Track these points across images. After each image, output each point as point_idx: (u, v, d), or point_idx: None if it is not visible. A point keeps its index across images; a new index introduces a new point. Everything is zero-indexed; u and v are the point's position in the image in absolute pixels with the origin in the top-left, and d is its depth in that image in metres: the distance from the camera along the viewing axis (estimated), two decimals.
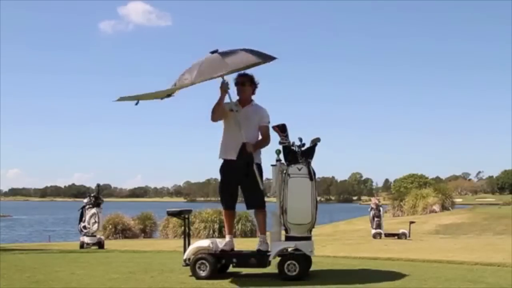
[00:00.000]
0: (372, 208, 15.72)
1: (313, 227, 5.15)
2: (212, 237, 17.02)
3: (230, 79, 5.41)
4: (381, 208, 15.96)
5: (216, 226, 18.46)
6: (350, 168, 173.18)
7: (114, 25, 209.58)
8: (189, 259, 5.27)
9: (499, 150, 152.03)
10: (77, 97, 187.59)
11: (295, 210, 5.04)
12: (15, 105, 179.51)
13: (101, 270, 5.88)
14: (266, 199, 5.46)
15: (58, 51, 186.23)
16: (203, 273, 5.12)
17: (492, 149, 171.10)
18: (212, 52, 5.17)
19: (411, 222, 15.61)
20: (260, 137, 5.46)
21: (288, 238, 5.10)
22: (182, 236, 5.86)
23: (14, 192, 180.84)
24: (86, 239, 11.54)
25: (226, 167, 5.45)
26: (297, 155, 5.14)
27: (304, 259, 5.08)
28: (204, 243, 5.39)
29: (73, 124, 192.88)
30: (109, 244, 12.91)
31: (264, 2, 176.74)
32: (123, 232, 19.62)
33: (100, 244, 11.54)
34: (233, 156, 5.37)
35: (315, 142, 5.22)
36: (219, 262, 5.26)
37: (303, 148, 5.17)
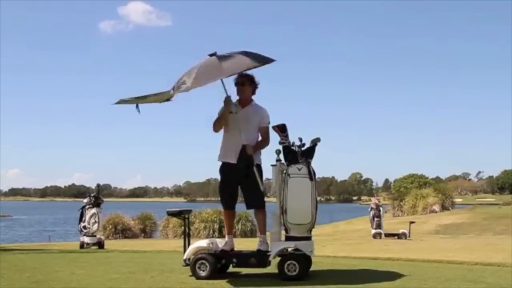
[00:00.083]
0: (372, 208, 15.72)
1: (313, 227, 5.15)
2: (212, 237, 17.02)
3: (231, 85, 5.41)
4: (381, 208, 15.96)
5: (216, 226, 18.46)
6: (350, 168, 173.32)
7: (114, 25, 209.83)
8: (189, 259, 5.27)
9: (499, 150, 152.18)
10: (77, 97, 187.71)
11: (295, 210, 5.04)
12: (15, 105, 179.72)
13: (101, 270, 5.88)
14: (266, 199, 5.46)
15: (58, 51, 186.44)
16: (203, 273, 5.12)
17: (492, 149, 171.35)
18: (211, 55, 5.15)
19: (411, 222, 15.61)
20: (260, 138, 5.46)
21: (288, 238, 5.10)
22: (182, 236, 5.86)
23: (14, 192, 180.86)
24: (86, 239, 11.54)
25: (226, 168, 5.45)
26: (297, 155, 5.13)
27: (304, 259, 5.08)
28: (204, 243, 5.39)
29: (73, 124, 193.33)
30: (109, 244, 12.91)
31: (264, 2, 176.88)
32: (123, 232, 19.62)
33: (100, 244, 11.54)
34: (233, 160, 5.36)
35: (315, 142, 5.22)
36: (219, 262, 5.26)
37: (303, 148, 5.17)
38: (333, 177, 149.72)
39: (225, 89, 5.33)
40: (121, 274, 5.51)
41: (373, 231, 15.15)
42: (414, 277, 5.25)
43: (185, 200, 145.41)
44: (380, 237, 14.81)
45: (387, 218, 21.75)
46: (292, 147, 5.18)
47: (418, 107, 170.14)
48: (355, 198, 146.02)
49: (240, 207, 5.66)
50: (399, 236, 14.89)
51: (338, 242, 13.31)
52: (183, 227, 6.12)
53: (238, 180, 5.34)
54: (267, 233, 5.31)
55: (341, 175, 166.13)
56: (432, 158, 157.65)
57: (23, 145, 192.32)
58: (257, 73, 5.49)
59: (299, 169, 5.07)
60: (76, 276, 5.46)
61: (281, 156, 5.20)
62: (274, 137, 5.29)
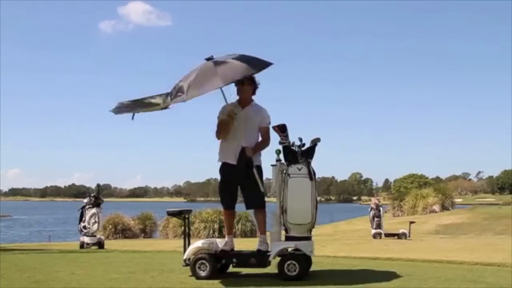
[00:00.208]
0: (372, 208, 15.71)
1: (313, 227, 5.15)
2: (212, 237, 17.02)
3: (231, 85, 5.40)
4: (381, 208, 15.95)
5: (216, 226, 18.46)
6: (350, 168, 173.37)
7: (114, 25, 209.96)
8: (189, 259, 5.27)
9: (499, 150, 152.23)
10: (77, 97, 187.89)
11: (295, 210, 5.03)
12: (15, 105, 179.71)
13: (101, 270, 5.88)
14: (266, 199, 5.46)
15: (58, 51, 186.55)
16: (203, 273, 5.12)
17: (492, 149, 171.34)
18: (207, 59, 5.13)
19: (411, 222, 15.60)
20: (260, 139, 5.45)
21: (288, 238, 5.10)
22: (182, 236, 5.86)
23: (14, 192, 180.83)
24: (86, 239, 11.54)
25: (226, 169, 5.45)
26: (297, 155, 5.13)
27: (304, 259, 5.08)
28: (204, 243, 5.39)
29: (73, 124, 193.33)
30: (109, 244, 12.91)
31: (264, 3, 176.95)
32: (123, 232, 19.62)
33: (100, 244, 11.54)
34: (232, 160, 5.35)
35: (315, 142, 5.21)
36: (219, 262, 5.26)
37: (303, 148, 5.17)
38: (333, 177, 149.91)
39: (224, 97, 5.30)
40: (121, 274, 5.51)
41: (373, 231, 15.15)
42: (414, 277, 5.25)
43: (185, 200, 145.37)
44: (380, 237, 14.81)
45: (387, 218, 21.75)
46: (292, 147, 5.18)
47: (418, 107, 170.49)
48: (355, 198, 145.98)
49: (240, 207, 5.65)
50: (399, 236, 14.89)
51: (338, 242, 13.31)
52: (183, 227, 6.12)
53: (238, 181, 5.34)
54: (267, 233, 5.30)
55: (341, 175, 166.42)
56: (432, 158, 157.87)
57: (23, 145, 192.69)
58: (258, 73, 5.48)
59: (299, 169, 5.07)
60: (76, 276, 5.46)
61: (281, 156, 5.19)
62: (274, 137, 5.29)
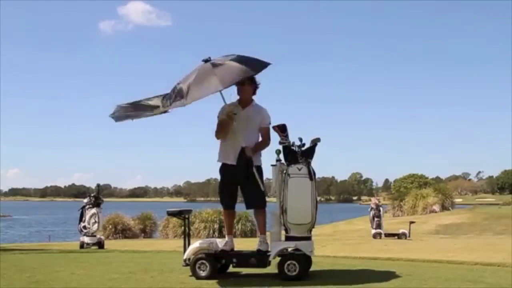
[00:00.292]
0: (372, 208, 15.71)
1: (313, 227, 5.15)
2: (212, 237, 17.02)
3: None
4: (381, 208, 15.96)
5: (216, 226, 18.46)
6: (350, 168, 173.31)
7: (114, 25, 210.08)
8: (189, 259, 5.27)
9: (499, 150, 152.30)
10: (77, 97, 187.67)
11: (295, 210, 5.03)
12: (15, 105, 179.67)
13: (101, 270, 5.88)
14: (266, 199, 5.45)
15: (58, 51, 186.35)
16: (203, 273, 5.12)
17: (492, 149, 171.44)
18: (205, 61, 5.11)
19: (411, 222, 15.60)
20: (260, 139, 5.45)
21: (288, 238, 5.10)
22: (182, 236, 5.86)
23: (14, 192, 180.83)
24: (86, 239, 11.54)
25: (226, 169, 5.45)
26: (297, 155, 5.13)
27: (304, 259, 5.08)
28: (204, 243, 5.39)
29: (73, 124, 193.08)
30: (109, 244, 12.91)
31: (264, 2, 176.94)
32: (123, 232, 19.61)
33: (100, 244, 11.54)
34: (232, 161, 5.35)
35: (315, 142, 5.21)
36: (219, 262, 5.26)
37: (303, 148, 5.17)
38: (333, 177, 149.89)
39: (223, 99, 5.30)
40: (121, 274, 5.51)
41: (373, 231, 15.15)
42: (414, 277, 5.25)
43: (185, 200, 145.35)
44: (380, 237, 14.81)
45: (387, 218, 21.75)
46: (292, 147, 5.18)
47: (418, 107, 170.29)
48: (355, 198, 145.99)
49: (240, 207, 5.66)
50: (399, 236, 14.89)
51: (338, 242, 13.31)
52: (183, 227, 6.12)
53: (238, 181, 5.34)
54: (267, 233, 5.31)
55: (341, 175, 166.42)
56: (432, 158, 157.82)
57: (23, 145, 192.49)
58: (258, 73, 5.48)
59: (299, 169, 5.07)
60: (76, 276, 5.46)
61: (281, 156, 5.19)
62: (274, 137, 5.29)
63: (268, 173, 5.28)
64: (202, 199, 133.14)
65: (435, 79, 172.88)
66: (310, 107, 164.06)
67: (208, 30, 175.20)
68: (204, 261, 5.15)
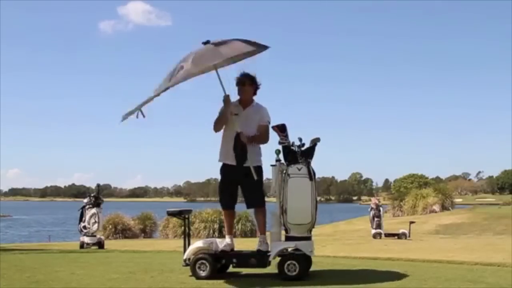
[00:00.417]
0: (372, 208, 15.71)
1: (313, 227, 5.15)
2: (212, 237, 17.01)
3: (232, 86, 5.41)
4: (381, 208, 15.95)
5: (216, 226, 18.45)
6: (350, 168, 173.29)
7: (114, 25, 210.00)
8: (189, 259, 5.27)
9: (499, 150, 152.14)
10: (77, 97, 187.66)
11: (295, 210, 5.04)
12: (15, 105, 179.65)
13: (101, 270, 5.88)
14: (266, 199, 5.46)
15: (58, 51, 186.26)
16: (203, 273, 5.12)
17: (492, 149, 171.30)
18: (205, 43, 5.15)
19: (411, 222, 15.60)
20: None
21: (288, 238, 5.10)
22: (182, 236, 5.86)
23: (14, 192, 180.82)
24: (86, 239, 11.54)
25: (226, 169, 5.45)
26: (297, 155, 5.13)
27: (304, 259, 5.08)
28: (204, 243, 5.39)
29: (73, 124, 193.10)
30: (109, 244, 12.90)
31: (264, 3, 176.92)
32: (123, 232, 19.59)
33: (100, 244, 11.54)
34: (233, 161, 5.36)
35: (315, 142, 5.22)
36: (219, 262, 5.26)
37: (303, 148, 5.17)
38: (333, 177, 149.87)
39: (223, 88, 5.32)
40: (121, 274, 5.51)
41: (373, 231, 15.15)
42: (414, 277, 5.25)
43: (185, 200, 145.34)
44: (380, 237, 14.81)
45: (387, 218, 21.75)
46: (292, 147, 5.18)
47: (418, 107, 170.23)
48: (355, 198, 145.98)
49: (240, 207, 5.66)
50: (399, 236, 14.89)
51: (338, 242, 13.31)
52: (183, 227, 6.12)
53: (238, 181, 5.34)
54: (267, 233, 5.31)
55: (341, 175, 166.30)
56: (432, 158, 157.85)
57: (23, 145, 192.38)
58: (258, 73, 5.51)
59: (299, 169, 5.07)
60: (76, 276, 5.46)
61: (281, 156, 5.19)
62: (274, 137, 5.29)
63: (268, 173, 5.29)
64: (202, 199, 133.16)
65: (435, 79, 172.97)
66: (310, 107, 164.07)
67: (208, 30, 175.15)
68: (204, 261, 5.15)
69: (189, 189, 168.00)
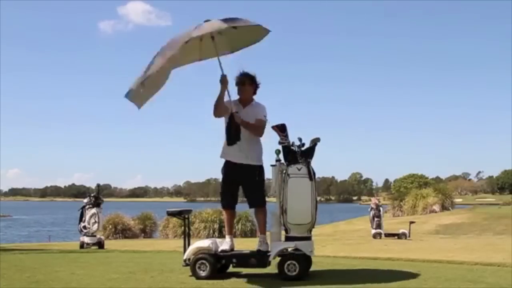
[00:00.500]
0: (372, 208, 15.71)
1: (313, 227, 5.15)
2: (212, 237, 17.00)
3: (231, 86, 5.42)
4: (381, 208, 15.95)
5: (216, 226, 18.45)
6: (350, 168, 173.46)
7: (113, 25, 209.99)
8: (189, 259, 5.27)
9: (499, 150, 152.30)
10: (77, 97, 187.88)
11: (295, 210, 5.03)
12: (15, 105, 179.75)
13: (101, 270, 5.88)
14: (266, 199, 5.46)
15: (58, 51, 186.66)
16: (203, 273, 5.12)
17: (492, 149, 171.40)
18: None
19: (411, 222, 15.59)
20: (260, 139, 5.46)
21: (288, 238, 5.10)
22: (182, 236, 5.86)
23: (14, 192, 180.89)
24: (86, 239, 11.54)
25: (228, 167, 5.45)
26: (297, 155, 5.13)
27: (304, 259, 5.08)
28: (204, 243, 5.39)
29: (73, 124, 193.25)
30: (109, 244, 12.90)
31: (264, 3, 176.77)
32: (123, 232, 19.59)
33: (100, 244, 11.54)
34: (234, 159, 5.36)
35: (315, 142, 5.21)
36: (219, 262, 5.26)
37: (302, 148, 5.17)
38: (333, 177, 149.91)
39: (221, 67, 5.34)
40: (121, 274, 5.51)
41: (373, 231, 15.15)
42: (414, 277, 5.25)
43: (185, 200, 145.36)
44: (380, 237, 14.80)
45: (387, 218, 21.75)
46: (292, 147, 5.18)
47: (418, 107, 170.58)
48: (355, 198, 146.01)
49: (240, 207, 5.65)
50: (399, 236, 14.88)
51: (338, 242, 13.30)
52: (183, 227, 6.12)
53: (239, 181, 5.34)
54: (267, 233, 5.31)
55: (341, 175, 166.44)
56: (432, 158, 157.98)
57: (23, 145, 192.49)
58: (258, 73, 5.51)
59: (299, 169, 5.07)
60: (76, 276, 5.46)
61: (281, 156, 5.19)
62: (274, 137, 5.29)
63: (268, 173, 5.29)
64: (202, 199, 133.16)
65: (435, 79, 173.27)
66: (310, 107, 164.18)
67: None
68: (204, 261, 5.15)
69: (189, 189, 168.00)
